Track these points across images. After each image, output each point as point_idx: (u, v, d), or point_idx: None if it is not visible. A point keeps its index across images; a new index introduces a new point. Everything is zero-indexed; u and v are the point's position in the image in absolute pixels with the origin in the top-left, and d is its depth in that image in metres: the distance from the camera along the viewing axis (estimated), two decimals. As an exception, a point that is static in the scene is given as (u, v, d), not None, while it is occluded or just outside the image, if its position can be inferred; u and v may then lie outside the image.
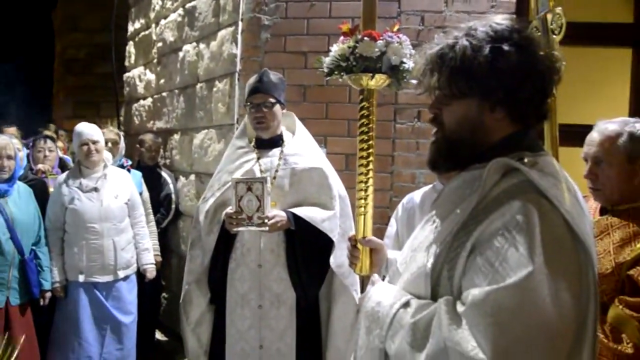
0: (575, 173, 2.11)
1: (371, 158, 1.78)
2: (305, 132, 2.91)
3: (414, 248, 1.36)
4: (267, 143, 2.82)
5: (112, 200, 3.61)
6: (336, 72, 1.83)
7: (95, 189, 3.58)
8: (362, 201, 1.77)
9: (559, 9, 2.39)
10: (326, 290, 2.84)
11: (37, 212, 3.48)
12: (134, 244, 3.75)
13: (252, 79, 2.79)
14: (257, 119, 2.75)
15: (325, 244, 2.72)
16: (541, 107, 1.29)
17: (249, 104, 2.77)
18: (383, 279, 1.54)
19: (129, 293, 3.71)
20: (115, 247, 3.58)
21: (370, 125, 1.77)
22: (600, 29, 3.65)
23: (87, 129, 3.63)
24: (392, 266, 1.59)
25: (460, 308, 1.14)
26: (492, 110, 1.25)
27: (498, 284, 1.09)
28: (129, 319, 3.67)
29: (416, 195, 2.79)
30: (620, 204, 2.03)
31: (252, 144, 2.85)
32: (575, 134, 2.57)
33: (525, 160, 1.23)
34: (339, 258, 2.69)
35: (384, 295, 1.34)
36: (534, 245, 1.10)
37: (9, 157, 3.30)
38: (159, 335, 4.81)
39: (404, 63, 1.78)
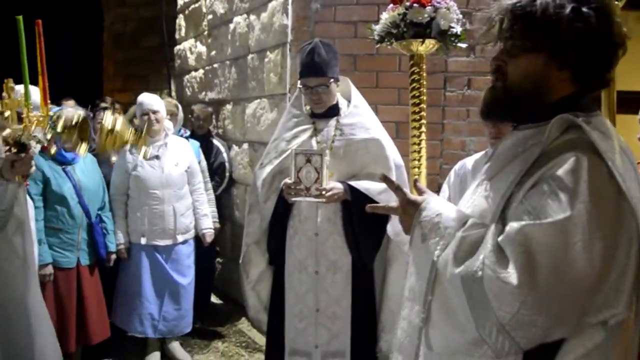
0: (631, 140, 2.13)
1: (423, 121, 1.84)
2: (360, 99, 2.88)
3: (467, 207, 1.40)
4: (323, 113, 2.83)
5: (173, 167, 3.77)
6: (387, 39, 1.86)
7: (157, 157, 3.73)
8: (416, 162, 1.84)
9: (622, -24, 2.37)
10: (381, 255, 2.87)
11: (101, 179, 3.66)
12: (193, 210, 3.91)
13: (304, 56, 2.72)
14: (313, 101, 2.76)
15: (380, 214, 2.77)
16: (605, 75, 1.31)
17: (302, 85, 2.75)
18: None
19: (187, 257, 3.88)
20: (175, 213, 3.75)
21: (421, 89, 1.83)
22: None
23: (147, 99, 3.78)
24: None
25: (499, 238, 1.21)
26: (559, 69, 1.28)
27: (535, 221, 1.17)
28: (186, 280, 3.85)
29: (468, 162, 2.81)
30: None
31: (308, 112, 2.87)
32: (631, 101, 2.55)
33: (580, 119, 1.26)
34: (396, 226, 2.69)
35: (445, 208, 1.39)
36: (577, 194, 1.15)
37: None
38: (214, 299, 4.99)
39: (453, 28, 1.80)
